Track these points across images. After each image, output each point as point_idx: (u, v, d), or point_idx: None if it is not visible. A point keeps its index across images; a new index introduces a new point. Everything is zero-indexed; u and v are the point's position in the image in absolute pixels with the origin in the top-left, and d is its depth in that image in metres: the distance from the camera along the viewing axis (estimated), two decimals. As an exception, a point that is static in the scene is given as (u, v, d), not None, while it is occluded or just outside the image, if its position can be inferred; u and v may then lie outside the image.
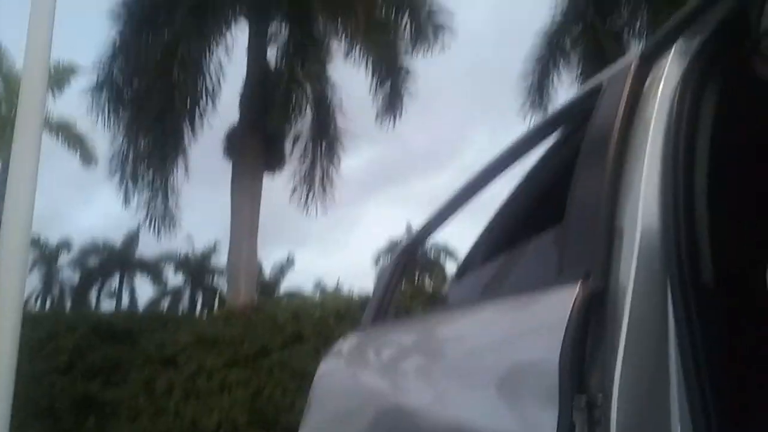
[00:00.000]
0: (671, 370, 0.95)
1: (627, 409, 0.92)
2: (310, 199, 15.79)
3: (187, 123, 14.76)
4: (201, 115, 14.87)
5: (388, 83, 15.68)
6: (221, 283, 32.97)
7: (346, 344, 2.51)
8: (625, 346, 0.96)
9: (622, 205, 1.12)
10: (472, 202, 2.16)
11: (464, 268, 2.34)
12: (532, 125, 1.89)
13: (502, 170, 1.95)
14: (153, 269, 35.06)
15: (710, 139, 1.15)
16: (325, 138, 15.89)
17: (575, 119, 1.57)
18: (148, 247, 33.47)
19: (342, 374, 2.39)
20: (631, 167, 1.16)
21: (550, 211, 1.38)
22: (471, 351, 1.54)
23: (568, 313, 1.01)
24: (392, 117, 15.81)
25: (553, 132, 1.78)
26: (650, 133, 1.17)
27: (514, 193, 2.02)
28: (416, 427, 1.53)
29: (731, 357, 0.98)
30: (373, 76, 15.65)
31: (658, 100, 1.21)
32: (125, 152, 14.94)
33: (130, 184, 15.04)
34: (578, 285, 1.04)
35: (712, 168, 1.13)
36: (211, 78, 14.88)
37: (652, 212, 1.09)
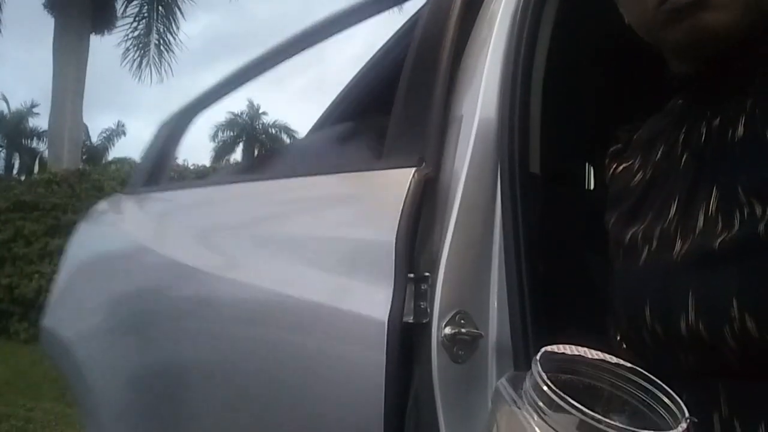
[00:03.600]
0: (494, 251, 1.02)
1: (451, 284, 0.98)
2: (144, 65, 14.87)
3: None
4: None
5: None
6: (42, 148, 30.78)
7: (110, 206, 2.37)
8: (455, 226, 1.02)
9: (461, 94, 1.15)
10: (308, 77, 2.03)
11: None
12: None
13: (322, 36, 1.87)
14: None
15: (551, 35, 1.20)
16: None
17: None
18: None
19: (112, 237, 2.22)
20: (474, 56, 1.18)
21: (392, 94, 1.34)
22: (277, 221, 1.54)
23: (404, 195, 1.04)
24: (235, -17, 15.02)
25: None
26: (497, 23, 1.18)
27: (364, 71, 1.95)
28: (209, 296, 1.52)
29: (548, 239, 1.08)
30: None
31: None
32: None
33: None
34: (414, 169, 1.08)
35: (551, 65, 1.18)
36: None
37: (490, 103, 1.12)
